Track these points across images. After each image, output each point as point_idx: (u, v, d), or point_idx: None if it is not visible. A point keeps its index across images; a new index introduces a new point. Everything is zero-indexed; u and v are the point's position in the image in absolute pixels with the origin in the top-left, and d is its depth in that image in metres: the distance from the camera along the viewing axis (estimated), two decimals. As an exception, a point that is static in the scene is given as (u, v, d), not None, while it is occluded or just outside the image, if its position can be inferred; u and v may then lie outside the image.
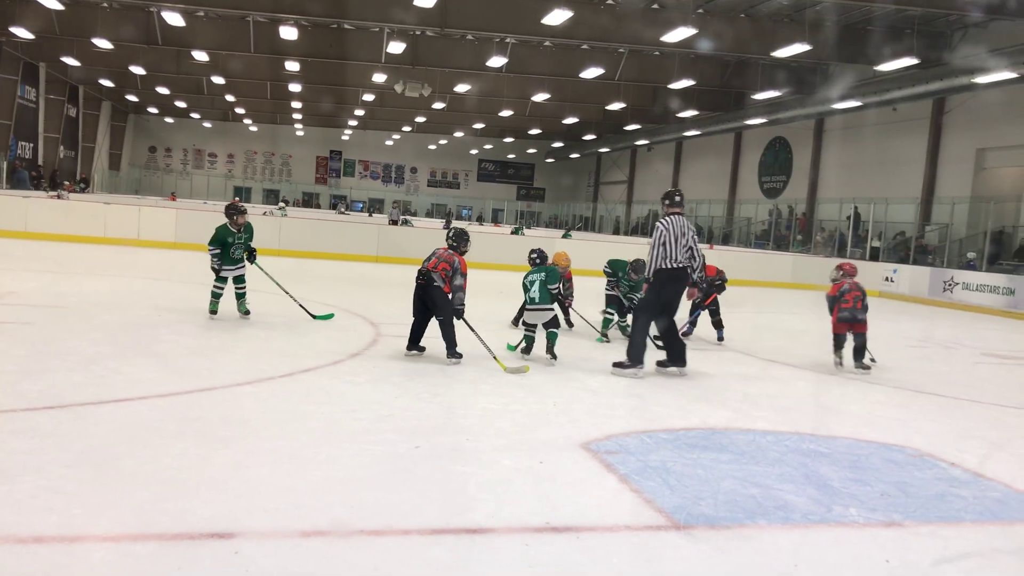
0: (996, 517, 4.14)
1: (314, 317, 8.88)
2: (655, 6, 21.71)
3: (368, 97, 35.94)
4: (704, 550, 3.42)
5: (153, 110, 49.28)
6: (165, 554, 3.01)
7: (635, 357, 7.13)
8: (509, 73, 27.37)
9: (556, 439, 4.92)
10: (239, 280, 8.62)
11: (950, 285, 18.27)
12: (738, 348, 9.48)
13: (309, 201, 52.64)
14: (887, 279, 20.32)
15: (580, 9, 20.43)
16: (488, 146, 54.96)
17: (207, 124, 52.84)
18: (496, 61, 24.88)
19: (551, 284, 7.82)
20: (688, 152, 40.58)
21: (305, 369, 6.43)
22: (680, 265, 7.10)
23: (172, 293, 10.53)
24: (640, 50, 25.35)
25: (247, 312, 8.64)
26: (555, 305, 7.94)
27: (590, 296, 10.97)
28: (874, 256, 22.89)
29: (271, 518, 3.40)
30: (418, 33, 25.43)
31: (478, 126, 44.70)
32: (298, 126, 52.28)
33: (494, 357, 7.18)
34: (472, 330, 7.37)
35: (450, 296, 7.12)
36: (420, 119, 43.40)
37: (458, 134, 49.45)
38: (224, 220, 8.61)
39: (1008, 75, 18.22)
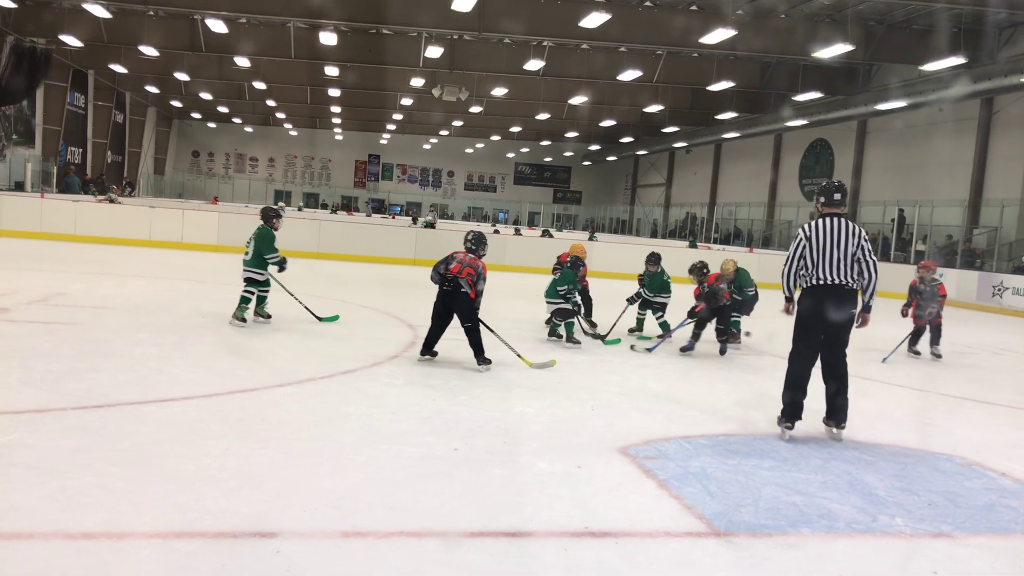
0: (1049, 529, 4.01)
1: (319, 319, 8.83)
2: (693, 7, 21.53)
3: (406, 101, 36.21)
4: (745, 558, 3.37)
5: (196, 115, 50.29)
6: (209, 551, 3.06)
7: (787, 411, 5.45)
8: (546, 76, 27.35)
9: (593, 443, 4.90)
10: (267, 284, 8.64)
11: (1000, 290, 17.79)
12: (779, 353, 9.33)
13: (348, 204, 53.18)
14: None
15: (618, 11, 20.34)
16: (524, 149, 55.00)
17: (248, 129, 53.74)
18: (533, 64, 24.89)
19: (560, 285, 8.51)
20: (727, 154, 40.14)
21: (345, 371, 6.48)
22: (829, 282, 5.32)
23: (214, 295, 10.70)
24: (678, 52, 25.16)
25: (269, 316, 8.65)
26: (560, 300, 8.52)
27: (615, 297, 10.89)
28: (919, 260, 22.39)
29: (311, 518, 3.43)
30: (456, 37, 25.55)
31: (515, 129, 44.75)
32: (337, 130, 52.89)
33: (518, 355, 7.25)
34: (491, 331, 7.31)
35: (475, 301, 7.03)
36: (457, 123, 43.59)
37: (495, 137, 49.55)
38: (260, 223, 8.59)
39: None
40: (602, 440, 4.97)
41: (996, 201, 22.11)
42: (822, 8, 20.96)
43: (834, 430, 5.50)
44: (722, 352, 8.87)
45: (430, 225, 26.61)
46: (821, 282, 5.35)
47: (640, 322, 9.98)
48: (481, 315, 7.13)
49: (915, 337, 9.93)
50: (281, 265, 8.45)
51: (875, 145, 28.74)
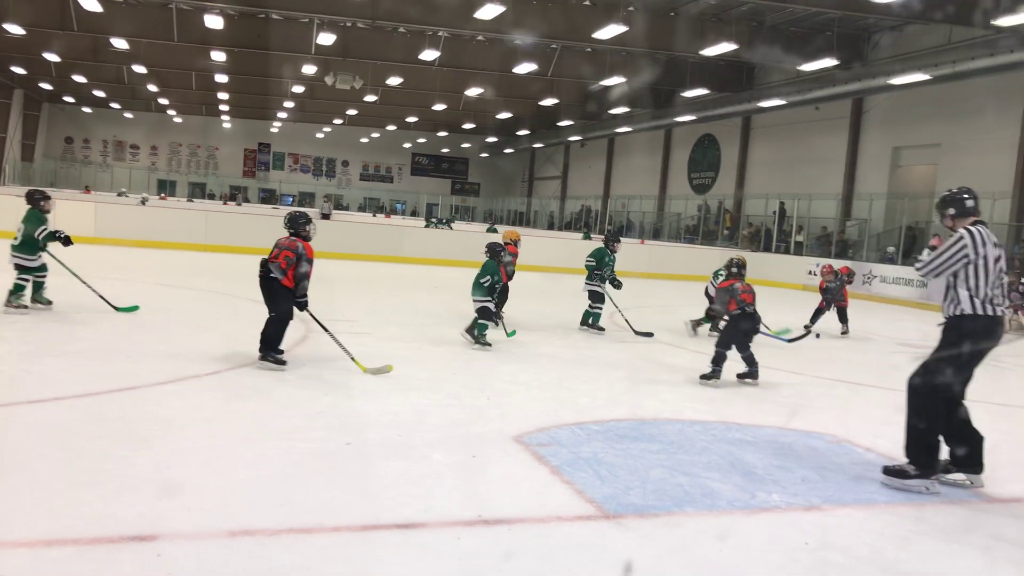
0: (908, 499, 4.34)
1: (117, 310, 8.37)
2: (587, 3, 21.91)
3: (298, 89, 35.25)
4: (632, 538, 3.49)
5: (69, 99, 47.23)
6: (83, 558, 2.91)
7: (923, 461, 4.51)
8: (442, 67, 27.22)
9: (489, 433, 4.94)
10: (43, 269, 8.13)
11: (869, 278, 19.00)
12: (667, 340, 9.67)
13: (236, 194, 51.33)
14: (810, 273, 21.01)
15: (512, 3, 20.46)
16: (422, 140, 54.60)
17: (128, 115, 50.95)
18: (428, 54, 24.72)
19: (482, 277, 8.11)
20: (620, 148, 41.11)
21: (232, 367, 6.28)
22: (996, 311, 4.46)
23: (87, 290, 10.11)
24: (572, 46, 25.54)
25: (49, 302, 8.20)
26: (486, 297, 8.08)
27: (515, 289, 11.05)
28: (798, 251, 23.64)
29: (197, 518, 3.31)
30: (348, 25, 25.05)
31: (411, 119, 44.36)
32: (225, 118, 50.92)
33: (351, 358, 6.53)
34: (325, 329, 6.73)
35: (295, 288, 6.42)
36: (352, 112, 42.77)
37: (391, 127, 48.94)
38: (28, 207, 8.02)
39: (920, 77, 19.05)
40: (497, 430, 5.02)
41: (866, 195, 23.59)
42: (709, 8, 21.74)
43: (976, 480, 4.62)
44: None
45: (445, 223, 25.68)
46: (992, 312, 4.44)
47: (593, 316, 9.97)
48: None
49: (817, 315, 11.75)
50: (64, 240, 8.02)
51: (758, 141, 30.09)
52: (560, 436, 4.98)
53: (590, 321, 9.90)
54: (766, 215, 26.62)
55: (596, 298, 9.92)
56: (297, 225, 6.74)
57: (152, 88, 38.83)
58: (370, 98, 34.85)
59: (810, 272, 20.97)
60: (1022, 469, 5.18)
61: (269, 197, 51.86)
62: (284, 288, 6.38)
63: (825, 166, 25.72)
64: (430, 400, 5.71)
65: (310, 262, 6.51)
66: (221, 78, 34.19)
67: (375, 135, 53.00)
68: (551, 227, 43.15)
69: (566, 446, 4.76)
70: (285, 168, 55.62)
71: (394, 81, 30.33)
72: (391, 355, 7.27)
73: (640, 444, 4.94)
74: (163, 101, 44.43)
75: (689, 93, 27.64)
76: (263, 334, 6.33)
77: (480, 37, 25.71)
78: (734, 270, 7.39)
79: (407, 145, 56.11)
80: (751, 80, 27.87)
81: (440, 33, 24.59)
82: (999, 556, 3.68)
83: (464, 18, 20.39)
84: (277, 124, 51.67)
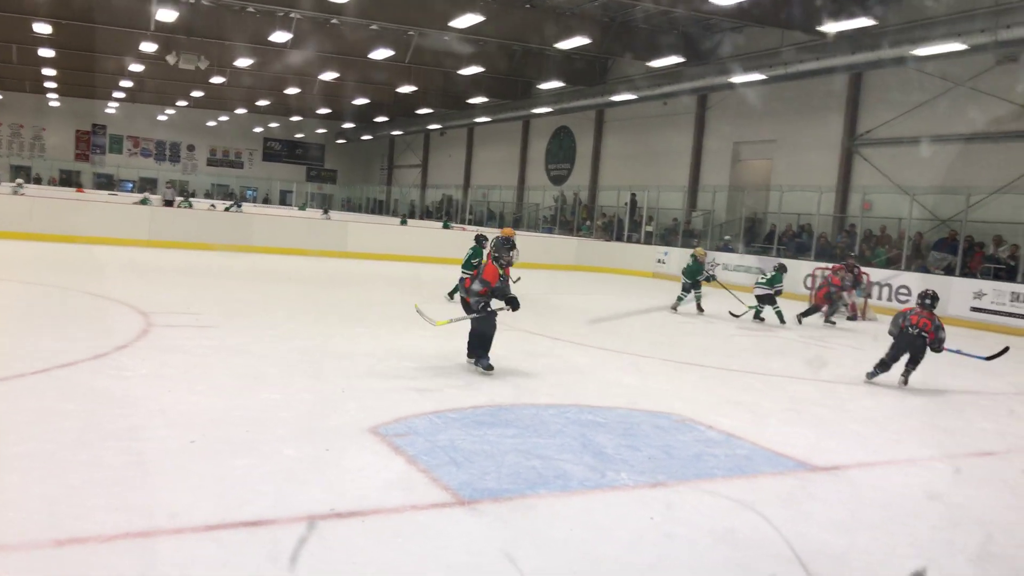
0: (743, 472, 4.65)
1: None
2: (444, -10, 21.79)
3: (136, 68, 32.95)
4: (487, 522, 3.54)
5: None
6: None
7: None
8: (294, 49, 26.28)
9: (344, 425, 4.85)
10: None
11: (712, 266, 20.13)
12: (526, 328, 9.85)
13: (69, 179, 47.41)
14: (659, 261, 22.04)
15: (368, -12, 20.05)
16: (274, 124, 52.47)
17: (-63, 89, 45.82)
18: (280, 36, 23.79)
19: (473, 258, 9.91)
20: (480, 138, 41.30)
21: (62, 364, 5.82)
22: None
23: None
24: (430, 34, 25.37)
25: None
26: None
27: (370, 279, 10.90)
28: (648, 240, 24.69)
29: (20, 528, 3.05)
30: (192, 1, 23.68)
31: (262, 103, 42.53)
32: (52, 96, 46.81)
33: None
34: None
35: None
36: (197, 94, 40.47)
37: (240, 111, 46.71)
38: None
39: (757, 76, 20.33)
40: (353, 422, 4.93)
41: (710, 187, 24.95)
42: (564, 1, 22.20)
43: None
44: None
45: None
46: None
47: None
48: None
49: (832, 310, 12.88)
50: None
51: (611, 133, 31.10)
52: (417, 425, 4.96)
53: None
54: (619, 206, 27.60)
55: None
56: (501, 250, 7.01)
57: (-36, 60, 35.11)
58: (217, 80, 33.16)
59: (659, 261, 21.98)
60: (844, 440, 5.66)
61: (106, 183, 48.24)
62: (468, 305, 6.97)
63: (673, 159, 26.96)
64: (282, 394, 5.54)
65: (484, 283, 6.79)
66: (46, 52, 31.37)
67: (223, 119, 50.42)
68: (412, 216, 42.78)
69: (423, 435, 4.75)
70: (124, 152, 51.90)
71: (243, 63, 28.97)
72: (241, 348, 6.99)
73: (497, 429, 5.00)
74: (-21, 75, 40.27)
75: (545, 85, 28.14)
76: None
77: (334, 20, 25.04)
78: (927, 301, 7.81)
79: (258, 130, 53.77)
80: (604, 74, 28.75)
81: (292, 15, 23.72)
82: (821, 519, 4.01)
83: (317, 1, 19.78)
84: (114, 105, 48.06)
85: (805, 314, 12.81)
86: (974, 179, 16.32)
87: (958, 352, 8.03)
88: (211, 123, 51.81)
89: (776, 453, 5.04)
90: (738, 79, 20.78)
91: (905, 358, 7.65)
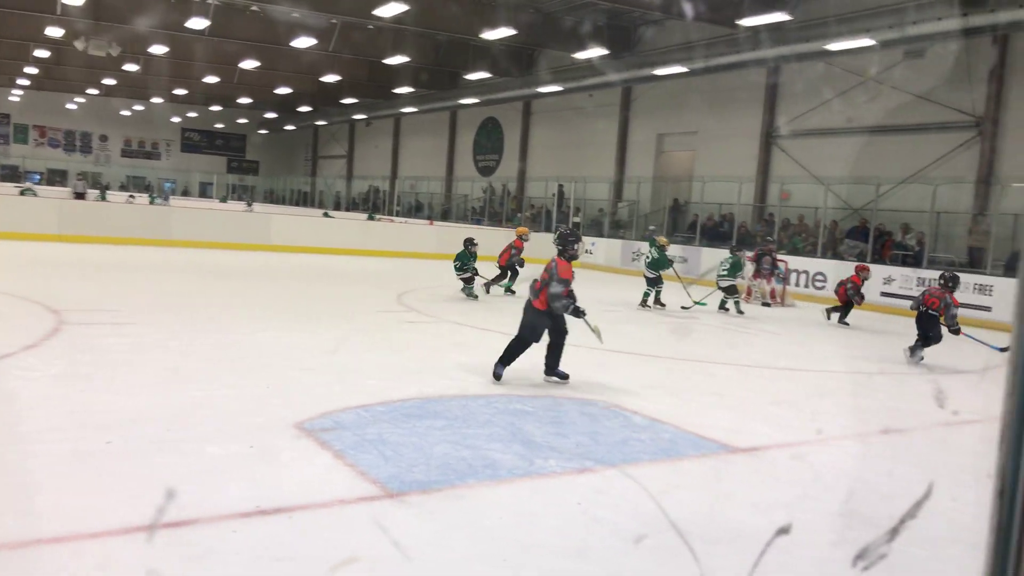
0: (667, 455, 4.76)
1: None
2: (367, -22, 21.45)
3: (42, 53, 31.38)
4: (416, 514, 3.53)
5: None
6: None
7: None
8: (213, 37, 25.48)
9: (269, 422, 4.75)
10: None
11: (637, 255, 20.49)
12: (454, 319, 9.83)
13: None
14: (587, 251, 22.26)
15: (289, -26, 19.59)
16: (192, 114, 50.79)
17: None
18: (197, 23, 23.02)
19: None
20: (407, 129, 40.91)
21: (-36, 366, 5.52)
22: None
23: None
24: (353, 23, 24.96)
25: None
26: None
27: (295, 273, 10.71)
28: (575, 229, 24.95)
29: (-84, 541, 2.89)
30: (102, -16, 22.66)
31: (180, 92, 41.12)
32: (-51, 82, 44.18)
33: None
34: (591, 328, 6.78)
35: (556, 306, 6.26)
36: (109, 81, 38.82)
37: (156, 100, 45.04)
38: None
39: (679, 69, 20.73)
40: (278, 418, 4.84)
41: (635, 178, 25.37)
42: (488, -8, 22.15)
43: None
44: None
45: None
46: None
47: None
48: None
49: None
50: None
51: (539, 125, 31.25)
52: (344, 420, 4.90)
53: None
54: (547, 197, 27.79)
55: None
56: (565, 243, 6.50)
57: None
58: (131, 67, 31.89)
59: (587, 251, 22.21)
60: (763, 422, 5.85)
61: (10, 174, 45.85)
62: (534, 309, 6.30)
63: (599, 150, 27.28)
64: (203, 391, 5.39)
65: (564, 282, 6.24)
66: (-59, 36, 29.56)
67: (138, 108, 48.52)
68: (337, 207, 42.11)
69: (350, 429, 4.70)
70: (30, 142, 49.44)
71: (159, 50, 27.93)
72: (160, 344, 6.77)
73: (426, 421, 4.99)
74: None
75: (472, 76, 28.06)
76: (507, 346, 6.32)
77: (254, 7, 24.38)
78: (942, 281, 8.50)
79: (176, 119, 51.95)
80: (531, 66, 28.85)
81: (209, 0, 22.97)
82: (742, 500, 4.14)
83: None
84: (18, 92, 45.70)
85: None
86: (884, 170, 17.05)
87: (974, 339, 8.54)
88: (125, 112, 49.80)
89: (699, 436, 5.18)
90: (661, 72, 21.14)
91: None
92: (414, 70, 29.89)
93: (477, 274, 12.05)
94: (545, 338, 6.44)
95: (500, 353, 6.41)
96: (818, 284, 16.01)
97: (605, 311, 12.14)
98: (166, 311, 8.85)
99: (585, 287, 12.88)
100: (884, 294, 14.92)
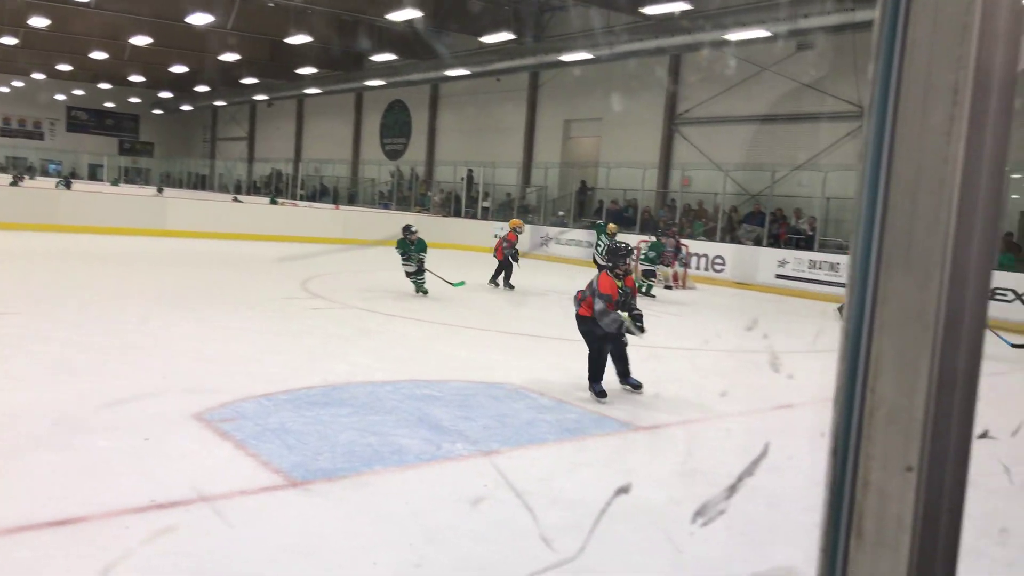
0: (572, 435, 4.86)
1: None
2: (267, -46, 20.77)
3: (-94, 22, 28.99)
4: (321, 502, 3.49)
5: None
6: None
7: None
8: (100, 10, 24.15)
9: (164, 413, 4.58)
10: None
11: (546, 240, 20.72)
12: (360, 306, 9.71)
13: None
14: (496, 236, 22.35)
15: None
16: (79, 92, 47.98)
17: None
18: (82, -6, 21.76)
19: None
20: (310, 111, 39.90)
21: None
22: None
23: None
24: (254, 0, 24.14)
25: None
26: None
27: (193, 259, 10.33)
28: (484, 215, 24.97)
29: None
30: (-25, -50, 21.10)
31: (64, 68, 38.79)
32: None
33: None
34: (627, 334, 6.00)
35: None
36: (-15, 55, 36.26)
37: (38, 76, 42.35)
38: None
39: (584, 55, 20.99)
40: (175, 408, 4.68)
41: (543, 164, 25.58)
42: (393, -28, 21.80)
43: None
44: None
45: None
46: None
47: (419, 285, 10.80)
48: None
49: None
50: None
51: (447, 108, 31.04)
52: (246, 409, 4.78)
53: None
54: (456, 181, 27.70)
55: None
56: (616, 259, 6.11)
57: None
58: (8, 40, 29.84)
59: (496, 236, 22.30)
60: (665, 401, 6.04)
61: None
62: (581, 317, 5.99)
63: (507, 135, 27.35)
64: (93, 383, 5.15)
65: (605, 298, 5.80)
66: None
67: (18, 84, 45.47)
68: (238, 191, 40.76)
69: (252, 419, 4.59)
70: None
71: (39, 22, 26.24)
72: (46, 336, 6.42)
73: (330, 409, 4.92)
74: None
75: (378, 58, 27.60)
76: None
77: (146, -20, 23.22)
78: None
79: (61, 97, 48.97)
80: (438, 49, 28.61)
81: (96, -29, 21.74)
82: (642, 476, 4.28)
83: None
84: None
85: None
86: (778, 156, 17.79)
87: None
88: (3, 89, 46.62)
89: (603, 416, 5.31)
90: (567, 58, 21.35)
91: None
92: (318, 51, 29.19)
93: (422, 264, 10.78)
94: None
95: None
96: (717, 267, 16.59)
97: (514, 296, 12.24)
98: (52, 301, 8.39)
99: (489, 271, 12.96)
100: (779, 276, 15.59)
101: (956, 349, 0.53)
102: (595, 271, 13.07)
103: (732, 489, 1.03)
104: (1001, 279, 12.52)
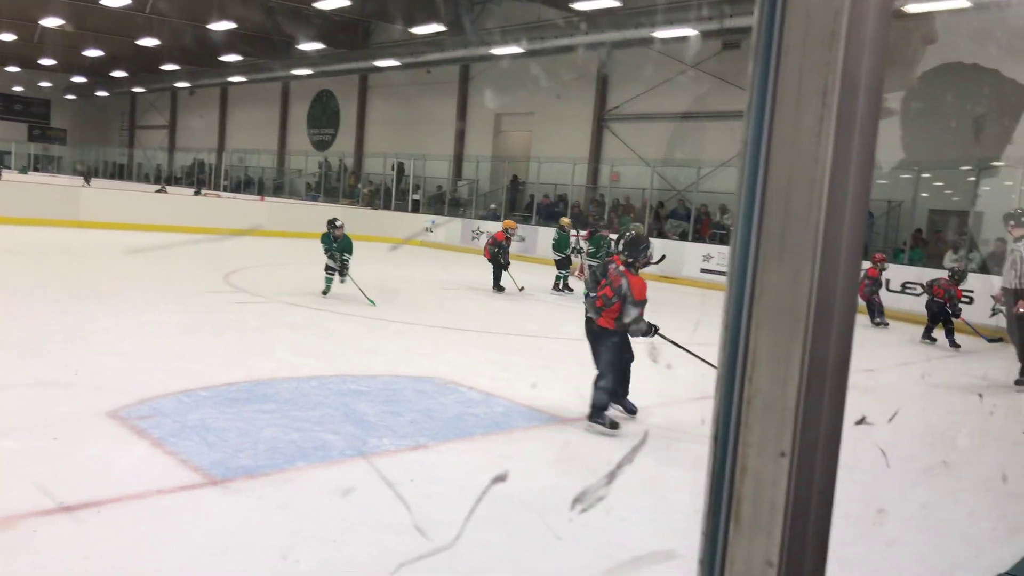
0: (500, 428, 4.89)
1: None
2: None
3: None
4: (241, 500, 3.42)
5: None
6: None
7: None
8: (8, -11, 22.96)
9: (76, 412, 4.41)
10: None
11: (477, 234, 20.70)
12: (285, 299, 9.53)
13: None
14: (427, 229, 22.24)
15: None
16: (-15, 75, 45.60)
17: None
18: (-12, -28, 20.64)
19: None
20: (234, 99, 38.84)
21: None
22: None
23: None
24: (175, -17, 23.35)
25: None
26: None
27: (108, 251, 9.96)
28: (415, 208, 24.80)
29: None
30: None
31: (-32, 50, 36.75)
32: None
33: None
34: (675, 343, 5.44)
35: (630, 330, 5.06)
36: None
37: (-61, 57, 40.02)
38: None
39: (516, 49, 21.04)
40: (87, 406, 4.50)
41: (474, 157, 25.54)
42: (321, -40, 21.39)
43: None
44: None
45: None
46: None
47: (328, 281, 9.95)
48: None
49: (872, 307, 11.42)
50: None
51: (376, 99, 30.66)
52: (164, 406, 4.64)
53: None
54: (386, 173, 27.41)
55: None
56: (635, 251, 5.08)
57: None
58: (-95, 18, 28.07)
59: (427, 229, 22.19)
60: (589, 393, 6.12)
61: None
62: (605, 331, 5.06)
63: (438, 128, 27.20)
64: None
65: (639, 304, 4.93)
66: None
67: (-85, 65, 42.89)
68: (158, 180, 39.40)
69: (170, 416, 4.46)
70: None
71: (-60, 0, 24.78)
72: None
73: (253, 405, 4.82)
74: None
75: (305, 46, 27.07)
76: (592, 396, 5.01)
77: (59, -41, 22.19)
78: (949, 275, 9.93)
79: (-36, 80, 46.43)
80: (367, 39, 28.21)
81: (3, -53, 20.64)
82: (570, 468, 4.33)
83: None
84: None
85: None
86: (704, 153, 18.21)
87: (970, 325, 9.91)
88: (-100, 69, 43.88)
89: (531, 408, 5.35)
90: (498, 51, 21.36)
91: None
92: (242, 38, 28.41)
93: (346, 267, 9.87)
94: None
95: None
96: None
97: (443, 290, 12.21)
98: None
99: (425, 267, 12.92)
100: (704, 270, 15.98)
101: (827, 340, 0.56)
102: (551, 266, 13.05)
103: (611, 476, 1.06)
104: (911, 274, 13.11)
